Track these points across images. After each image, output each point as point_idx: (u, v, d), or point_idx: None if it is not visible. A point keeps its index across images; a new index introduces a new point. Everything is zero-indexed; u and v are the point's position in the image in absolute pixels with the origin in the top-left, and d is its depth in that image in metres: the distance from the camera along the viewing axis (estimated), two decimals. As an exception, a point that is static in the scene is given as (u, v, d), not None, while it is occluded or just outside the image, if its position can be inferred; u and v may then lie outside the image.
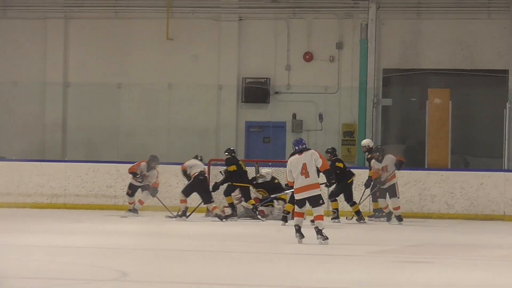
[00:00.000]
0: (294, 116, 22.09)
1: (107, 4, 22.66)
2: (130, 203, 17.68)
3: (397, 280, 9.69)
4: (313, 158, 13.34)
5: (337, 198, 18.12)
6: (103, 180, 18.43)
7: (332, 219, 17.44)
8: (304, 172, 13.10)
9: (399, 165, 17.99)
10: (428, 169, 20.50)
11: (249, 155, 21.91)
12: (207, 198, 16.98)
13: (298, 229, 13.16)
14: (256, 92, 22.46)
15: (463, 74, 22.36)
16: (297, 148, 13.34)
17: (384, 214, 18.07)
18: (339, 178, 17.19)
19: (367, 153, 18.63)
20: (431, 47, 22.20)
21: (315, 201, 13.11)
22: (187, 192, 16.86)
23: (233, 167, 17.84)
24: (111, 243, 12.97)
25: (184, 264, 10.42)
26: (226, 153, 18.19)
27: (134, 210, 17.57)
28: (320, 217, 13.19)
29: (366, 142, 18.95)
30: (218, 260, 11.12)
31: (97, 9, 22.71)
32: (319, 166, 13.38)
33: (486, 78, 22.50)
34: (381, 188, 17.72)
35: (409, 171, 19.00)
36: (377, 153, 17.90)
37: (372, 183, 18.25)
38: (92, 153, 21.62)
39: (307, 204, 13.46)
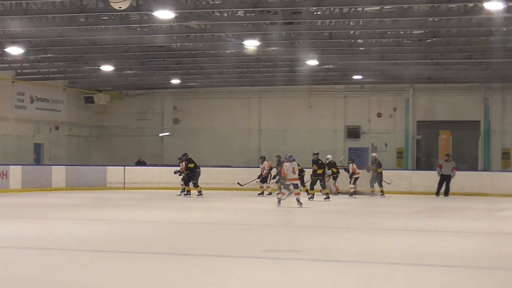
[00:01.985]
0: (372, 144, 28.22)
1: (283, 90, 28.96)
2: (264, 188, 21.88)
3: (428, 225, 11.80)
4: (296, 165, 16.77)
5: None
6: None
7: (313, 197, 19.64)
8: (294, 171, 16.59)
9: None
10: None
11: (351, 165, 22.43)
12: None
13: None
14: (353, 132, 28.77)
15: (457, 123, 27.96)
16: (288, 157, 16.53)
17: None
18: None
19: (373, 162, 21.49)
20: (441, 109, 28.21)
21: (297, 185, 16.66)
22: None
23: (192, 165, 21.13)
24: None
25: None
26: (184, 159, 20.58)
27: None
28: (298, 194, 16.80)
29: (374, 155, 21.98)
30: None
31: (275, 94, 29.88)
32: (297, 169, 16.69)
33: (469, 125, 28.01)
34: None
35: (434, 171, 23.08)
36: (350, 161, 21.03)
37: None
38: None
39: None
